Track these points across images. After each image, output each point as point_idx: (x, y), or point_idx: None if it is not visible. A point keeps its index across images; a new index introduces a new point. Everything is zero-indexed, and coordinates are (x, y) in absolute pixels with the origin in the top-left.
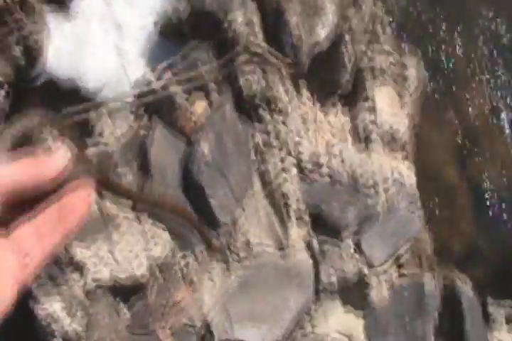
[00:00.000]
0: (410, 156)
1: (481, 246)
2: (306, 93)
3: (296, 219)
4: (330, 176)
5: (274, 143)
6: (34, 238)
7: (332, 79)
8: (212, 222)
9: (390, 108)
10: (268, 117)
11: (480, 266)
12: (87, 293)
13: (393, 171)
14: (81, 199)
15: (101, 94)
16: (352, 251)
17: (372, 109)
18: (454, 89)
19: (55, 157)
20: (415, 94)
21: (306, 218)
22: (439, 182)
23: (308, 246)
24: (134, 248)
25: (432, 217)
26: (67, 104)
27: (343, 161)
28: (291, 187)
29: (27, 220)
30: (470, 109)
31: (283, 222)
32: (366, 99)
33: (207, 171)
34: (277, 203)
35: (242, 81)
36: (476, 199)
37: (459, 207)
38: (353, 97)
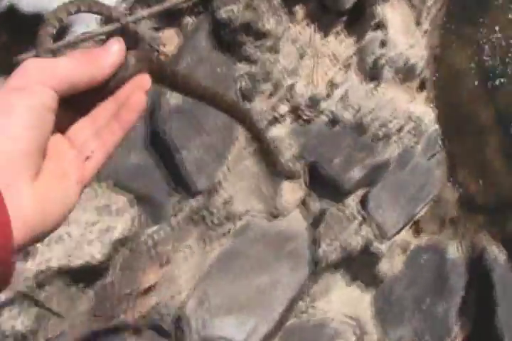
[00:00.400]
0: (430, 89)
1: None
2: (303, 19)
3: (289, 178)
4: (331, 121)
5: (263, 86)
6: (91, 135)
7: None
8: (186, 188)
9: (405, 37)
10: (255, 55)
11: None
12: (39, 279)
13: (408, 107)
14: (137, 96)
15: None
16: (359, 217)
17: (384, 39)
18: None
19: (111, 50)
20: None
21: (302, 177)
22: (466, 120)
23: (305, 211)
24: (91, 227)
25: (457, 164)
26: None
27: (348, 106)
28: (285, 140)
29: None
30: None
31: (274, 184)
32: (376, 26)
33: (177, 121)
34: (267, 160)
35: (222, 11)
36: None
37: (490, 151)
38: (359, 23)
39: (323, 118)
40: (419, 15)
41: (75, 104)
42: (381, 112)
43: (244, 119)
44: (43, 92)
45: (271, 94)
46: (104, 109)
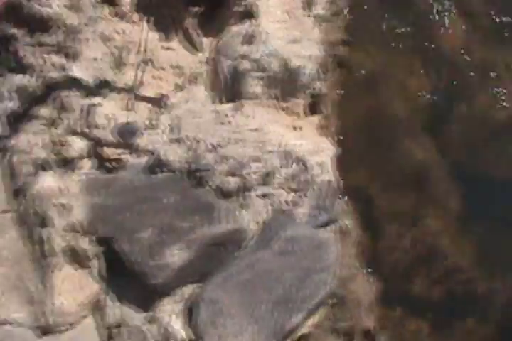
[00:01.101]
0: (326, 111)
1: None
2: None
3: None
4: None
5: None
6: None
7: None
8: None
9: (284, 28)
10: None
11: None
12: None
13: (286, 140)
14: None
15: None
16: None
17: (251, 33)
18: None
19: None
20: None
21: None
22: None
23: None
24: None
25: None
26: None
27: (185, 138)
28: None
29: None
30: None
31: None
32: (242, 15)
33: None
34: None
35: None
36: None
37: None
38: (218, 14)
39: (138, 161)
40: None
41: None
42: (238, 149)
43: None
44: None
45: (53, 122)
46: None
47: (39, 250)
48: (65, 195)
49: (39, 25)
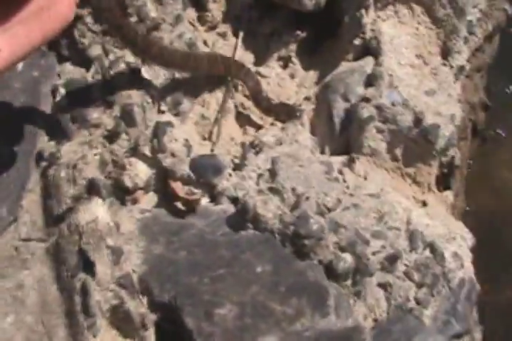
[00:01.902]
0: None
1: None
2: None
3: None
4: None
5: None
6: (7, 33)
7: None
8: None
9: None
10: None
11: None
12: None
13: (411, 215)
14: (65, 4)
15: None
16: None
17: (375, 72)
18: None
19: None
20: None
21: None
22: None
23: None
24: None
25: None
26: None
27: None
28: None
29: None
30: None
31: None
32: (364, 48)
33: None
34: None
35: None
36: None
37: None
38: (328, 43)
39: (218, 208)
40: (447, 35)
41: None
42: (354, 217)
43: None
44: None
45: (115, 134)
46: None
47: (74, 302)
48: (117, 234)
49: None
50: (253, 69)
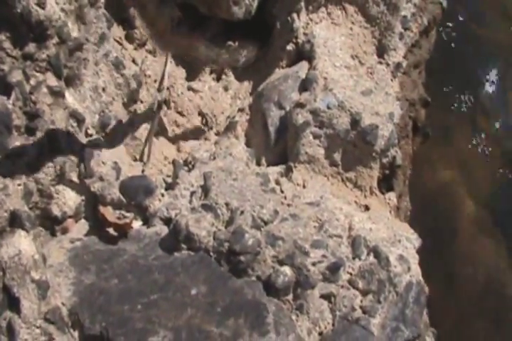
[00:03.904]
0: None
1: None
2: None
3: None
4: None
5: None
6: None
7: None
8: None
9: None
10: None
11: None
12: None
13: (352, 221)
14: None
15: None
16: None
17: (307, 77)
18: None
19: None
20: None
21: None
22: None
23: None
24: None
25: None
26: None
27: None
28: None
29: None
30: None
31: None
32: (297, 55)
33: None
34: None
35: None
36: None
37: None
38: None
39: (150, 231)
40: (381, 33)
41: None
42: (292, 228)
43: None
44: None
45: (39, 162)
46: None
47: None
48: (44, 267)
49: (28, 30)
50: (185, 84)
